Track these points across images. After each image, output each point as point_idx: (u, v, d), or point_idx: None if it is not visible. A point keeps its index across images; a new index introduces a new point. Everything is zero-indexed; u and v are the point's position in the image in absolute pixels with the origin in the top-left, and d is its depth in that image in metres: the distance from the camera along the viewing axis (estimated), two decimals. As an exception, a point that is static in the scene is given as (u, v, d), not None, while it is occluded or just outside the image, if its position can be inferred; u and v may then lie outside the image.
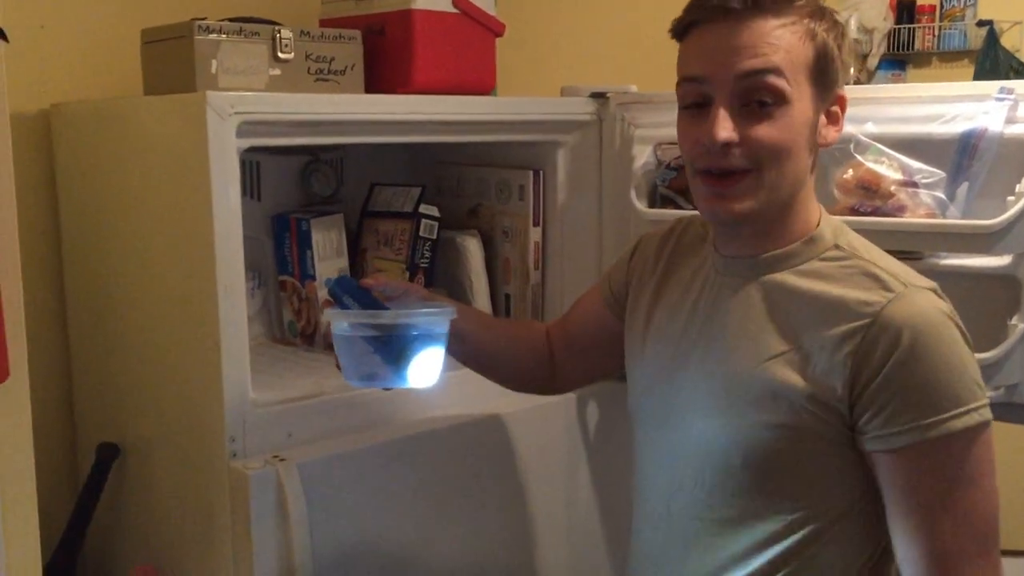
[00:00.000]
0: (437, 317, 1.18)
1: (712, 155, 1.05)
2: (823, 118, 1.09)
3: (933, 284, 1.07)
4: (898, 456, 1.02)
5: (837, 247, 1.09)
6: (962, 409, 1.00)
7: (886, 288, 1.03)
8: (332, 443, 1.38)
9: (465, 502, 1.51)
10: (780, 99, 1.04)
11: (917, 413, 1.00)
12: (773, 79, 1.03)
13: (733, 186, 1.06)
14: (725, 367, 1.10)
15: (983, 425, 1.02)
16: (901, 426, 1.01)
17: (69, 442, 1.65)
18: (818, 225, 1.11)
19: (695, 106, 1.08)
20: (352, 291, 1.20)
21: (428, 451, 1.46)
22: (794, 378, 1.05)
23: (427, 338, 1.16)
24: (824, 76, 1.07)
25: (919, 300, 1.03)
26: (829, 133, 1.10)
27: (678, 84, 1.10)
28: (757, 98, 1.04)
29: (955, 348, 1.02)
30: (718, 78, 1.04)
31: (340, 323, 1.16)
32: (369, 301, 1.20)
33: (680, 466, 1.15)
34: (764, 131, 1.04)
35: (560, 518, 1.63)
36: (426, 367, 1.18)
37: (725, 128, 1.03)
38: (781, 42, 1.04)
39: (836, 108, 1.10)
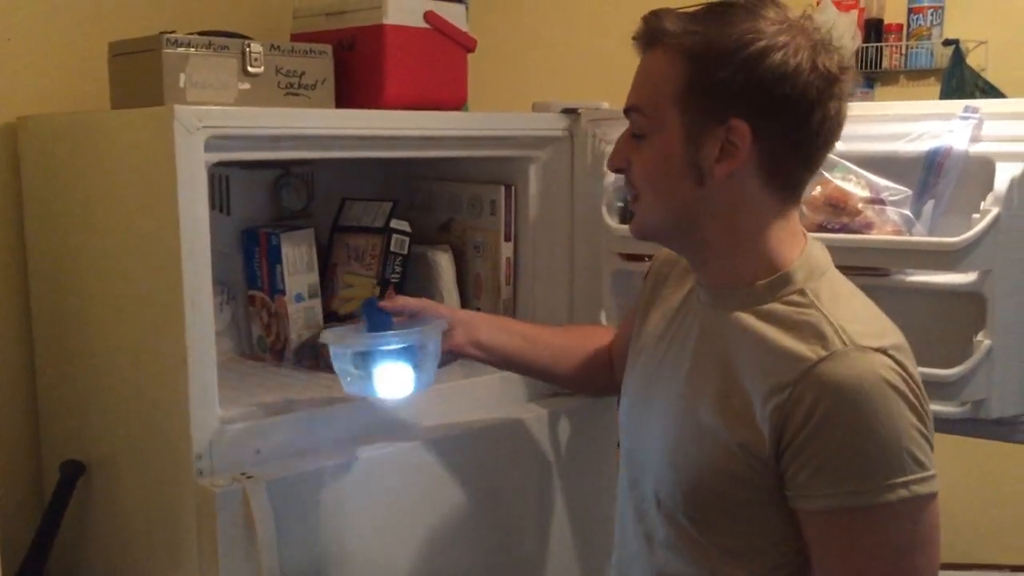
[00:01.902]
0: (396, 338, 1.33)
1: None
2: (714, 150, 1.01)
3: (889, 343, 0.99)
4: (815, 518, 0.99)
5: (802, 292, 1.03)
6: (886, 483, 0.94)
7: (824, 346, 0.97)
8: (301, 460, 1.37)
9: (437, 519, 1.50)
10: (645, 131, 1.06)
11: (833, 480, 0.96)
12: (635, 115, 1.07)
13: (631, 208, 1.12)
14: (678, 399, 1.10)
15: (911, 501, 0.95)
16: (819, 490, 0.97)
17: (33, 459, 1.63)
18: (792, 264, 1.05)
19: None
20: (369, 311, 1.38)
21: (399, 468, 1.45)
22: (730, 424, 1.02)
23: (393, 354, 1.32)
24: (698, 104, 1.01)
25: (855, 362, 0.96)
26: (717, 168, 1.02)
27: None
28: (633, 130, 1.08)
29: (886, 417, 0.94)
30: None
31: (327, 342, 1.36)
32: (382, 320, 1.37)
33: (645, 490, 1.15)
34: (636, 159, 1.07)
35: (534, 534, 1.62)
36: (392, 381, 1.33)
37: (613, 156, 1.10)
38: (653, 74, 1.05)
39: (733, 138, 1.01)
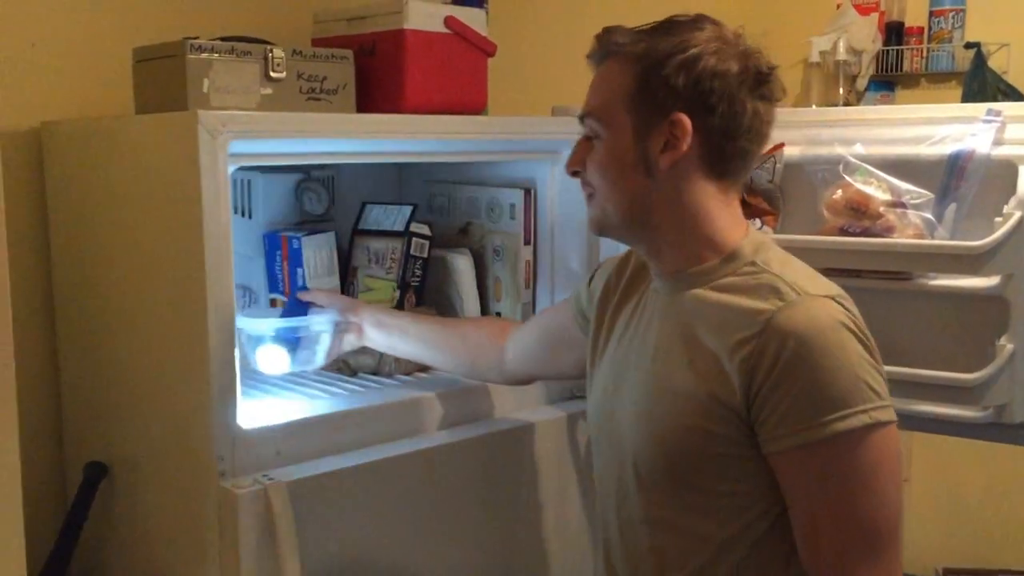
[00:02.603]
0: (266, 321, 1.52)
1: None
2: (659, 143, 1.13)
3: (836, 292, 1.11)
4: (787, 458, 1.07)
5: (753, 263, 1.14)
6: (847, 411, 1.04)
7: (780, 297, 1.08)
8: (322, 462, 1.38)
9: (456, 521, 1.50)
10: (596, 134, 1.18)
11: (802, 416, 1.05)
12: (589, 120, 1.18)
13: (587, 205, 1.22)
14: (647, 375, 1.18)
15: (873, 427, 1.04)
16: (788, 429, 1.06)
17: (57, 461, 1.64)
18: (740, 243, 1.17)
19: None
20: (289, 301, 1.61)
21: (419, 470, 1.45)
22: (702, 383, 1.11)
23: (272, 338, 1.49)
24: (646, 103, 1.13)
25: (809, 307, 1.07)
26: (663, 158, 1.14)
27: None
28: (586, 134, 1.20)
29: (841, 352, 1.05)
30: None
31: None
32: (297, 309, 1.56)
33: (623, 475, 1.21)
34: (590, 162, 1.19)
35: (551, 536, 1.63)
36: (269, 360, 1.51)
37: (571, 159, 1.21)
38: (606, 81, 1.17)
39: (675, 132, 1.13)
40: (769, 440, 1.08)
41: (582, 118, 1.19)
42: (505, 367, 1.50)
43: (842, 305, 1.09)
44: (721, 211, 1.17)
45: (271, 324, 1.49)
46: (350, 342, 1.57)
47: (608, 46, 1.17)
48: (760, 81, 1.14)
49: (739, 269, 1.15)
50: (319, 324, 1.52)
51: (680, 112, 1.12)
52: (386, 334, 1.55)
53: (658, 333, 1.19)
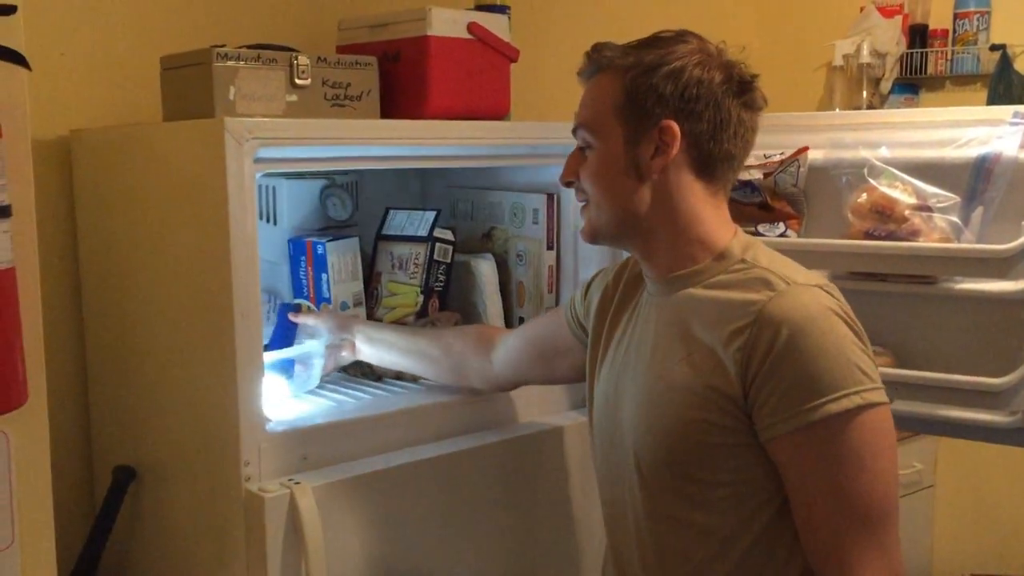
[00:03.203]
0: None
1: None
2: (650, 149, 1.17)
3: (822, 282, 1.15)
4: (784, 442, 1.10)
5: (743, 261, 1.18)
6: (840, 393, 1.07)
7: (770, 288, 1.12)
8: (347, 466, 1.39)
9: (481, 525, 1.51)
10: (588, 144, 1.21)
11: (797, 400, 1.08)
12: (582, 131, 1.22)
13: (582, 214, 1.26)
14: (646, 374, 1.21)
15: (865, 407, 1.07)
16: (784, 413, 1.08)
17: (86, 465, 1.66)
18: (729, 243, 1.20)
19: None
20: (280, 320, 1.64)
21: (444, 475, 1.46)
22: (699, 375, 1.14)
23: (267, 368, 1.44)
24: (635, 110, 1.17)
25: (799, 295, 1.11)
26: (654, 164, 1.18)
27: None
28: (580, 145, 1.23)
29: (832, 337, 1.09)
30: None
31: None
32: (286, 331, 1.63)
33: (625, 474, 1.23)
34: (583, 171, 1.23)
35: (575, 541, 1.63)
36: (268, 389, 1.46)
37: (564, 170, 1.25)
38: (595, 92, 1.21)
39: (665, 138, 1.17)
40: (766, 427, 1.10)
41: (575, 130, 1.24)
42: (491, 374, 1.53)
43: (830, 293, 1.13)
44: (710, 213, 1.21)
45: (267, 358, 1.48)
46: (345, 359, 1.63)
47: (598, 61, 1.22)
48: (743, 89, 1.19)
49: (730, 267, 1.18)
50: (311, 348, 1.57)
51: (669, 119, 1.16)
52: (376, 348, 1.61)
53: (654, 334, 1.22)
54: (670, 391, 1.17)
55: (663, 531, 1.20)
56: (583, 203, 1.25)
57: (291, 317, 1.63)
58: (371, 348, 1.61)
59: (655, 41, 1.21)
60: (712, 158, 1.19)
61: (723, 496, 1.15)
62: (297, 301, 1.77)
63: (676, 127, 1.16)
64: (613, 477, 1.28)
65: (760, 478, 1.14)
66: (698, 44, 1.20)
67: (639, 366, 1.23)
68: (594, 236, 1.25)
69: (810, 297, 1.11)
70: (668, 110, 1.17)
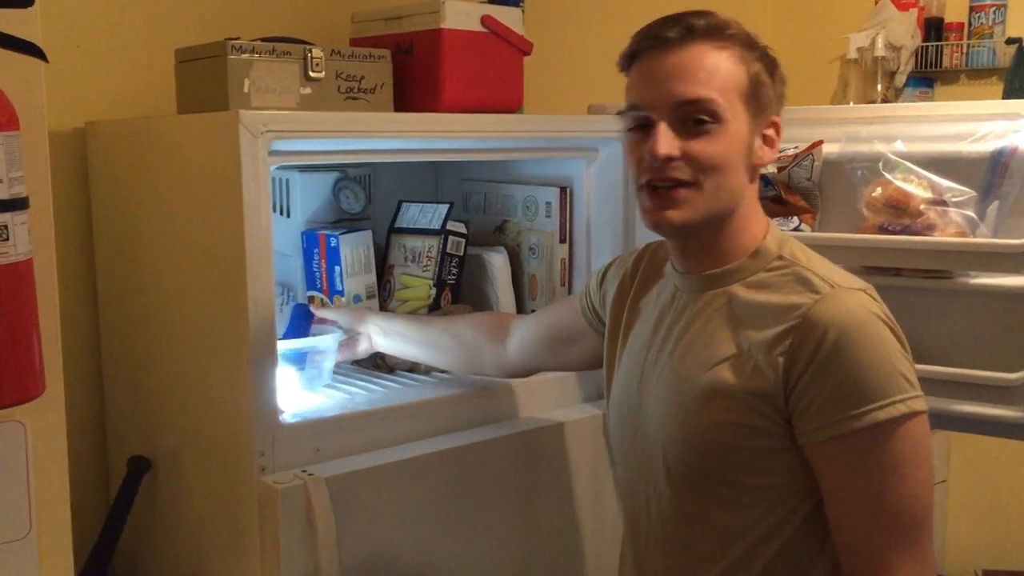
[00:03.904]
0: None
1: (655, 169, 1.13)
2: (758, 140, 1.16)
3: (864, 285, 1.13)
4: (826, 448, 1.08)
5: (780, 258, 1.16)
6: (886, 401, 1.05)
7: (813, 291, 1.10)
8: (360, 458, 1.39)
9: (493, 518, 1.51)
10: (716, 118, 1.12)
11: (842, 406, 1.06)
12: (709, 103, 1.12)
13: (674, 199, 1.13)
14: (679, 374, 1.17)
15: (909, 416, 1.06)
16: (828, 419, 1.07)
17: (101, 455, 1.67)
18: (764, 239, 1.18)
19: (640, 127, 1.16)
20: (295, 316, 1.62)
21: (456, 467, 1.46)
22: (737, 378, 1.12)
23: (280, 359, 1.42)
24: (757, 100, 1.14)
25: (844, 300, 1.09)
26: (765, 153, 1.17)
27: (624, 111, 1.18)
28: (695, 117, 1.12)
29: (879, 344, 1.07)
30: (658, 103, 1.13)
31: None
32: (300, 326, 1.60)
33: (650, 470, 1.21)
34: (702, 146, 1.12)
35: (586, 532, 1.63)
36: (288, 380, 1.51)
37: (665, 144, 1.11)
38: (716, 69, 1.12)
39: (771, 132, 1.17)
40: (807, 431, 1.08)
41: (692, 101, 1.11)
42: (505, 362, 1.52)
43: (873, 297, 1.12)
44: (755, 208, 1.20)
45: (281, 346, 1.48)
46: (361, 352, 1.62)
47: (719, 28, 1.14)
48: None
49: (768, 264, 1.16)
50: (323, 342, 1.57)
51: (775, 117, 1.17)
52: (390, 340, 1.60)
53: (687, 332, 1.18)
54: (705, 394, 1.14)
55: (690, 532, 1.18)
56: (686, 183, 1.12)
57: (313, 310, 1.63)
58: (386, 340, 1.60)
59: (740, 26, 1.17)
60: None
61: (756, 499, 1.13)
62: (310, 294, 1.78)
63: (780, 124, 1.18)
64: (635, 474, 1.25)
65: (793, 482, 1.12)
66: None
67: (669, 363, 1.19)
68: (688, 224, 1.14)
69: (855, 301, 1.09)
70: (775, 106, 1.18)
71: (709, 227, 1.16)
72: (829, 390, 1.06)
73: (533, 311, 1.81)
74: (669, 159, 1.11)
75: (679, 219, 1.14)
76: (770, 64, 1.16)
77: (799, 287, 1.11)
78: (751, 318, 1.13)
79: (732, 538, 1.14)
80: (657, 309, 1.25)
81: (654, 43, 1.14)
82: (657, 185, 1.13)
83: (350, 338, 1.61)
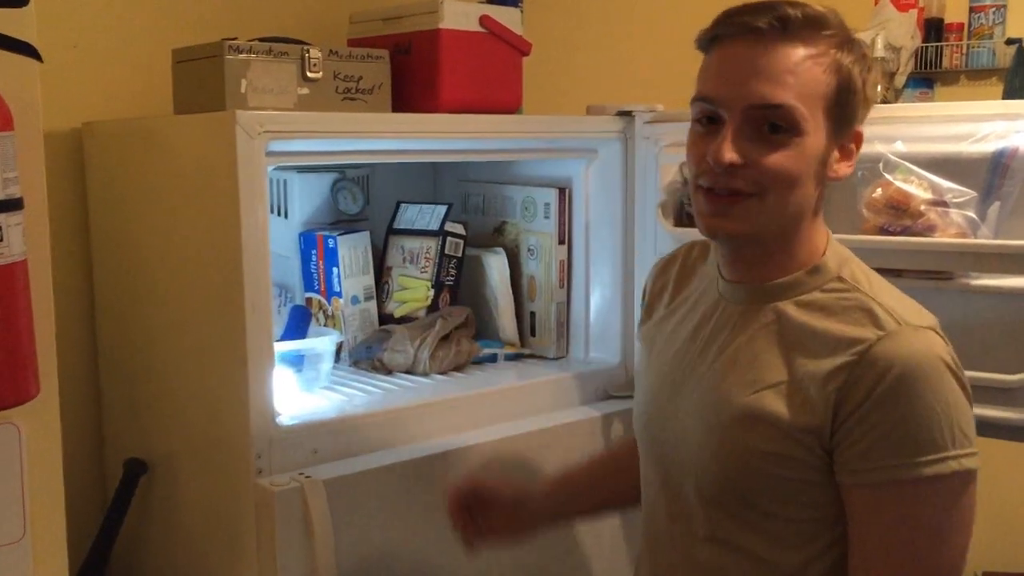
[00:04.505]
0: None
1: (716, 175, 1.03)
2: (836, 153, 1.06)
3: (933, 322, 1.03)
4: (863, 493, 1.00)
5: (840, 279, 1.07)
6: (938, 456, 0.97)
7: (879, 325, 1.01)
8: (357, 461, 1.39)
9: (490, 521, 1.50)
10: (794, 129, 1.02)
11: (890, 452, 0.98)
12: (788, 112, 1.01)
13: (733, 206, 1.04)
14: (718, 392, 1.09)
15: (959, 475, 0.98)
16: (873, 463, 0.99)
17: (97, 457, 1.66)
18: (824, 254, 1.08)
19: (707, 120, 1.06)
20: (293, 316, 1.65)
21: (454, 469, 1.45)
22: (783, 408, 1.03)
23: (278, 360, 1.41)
24: (843, 111, 1.04)
25: (911, 339, 1.00)
26: (841, 168, 1.07)
27: (693, 98, 1.07)
28: (771, 122, 1.02)
29: (940, 392, 0.98)
30: (733, 102, 1.02)
31: None
32: (297, 328, 1.63)
33: (680, 485, 1.13)
34: (773, 158, 1.02)
35: (584, 537, 1.62)
36: (284, 381, 1.51)
37: (731, 151, 1.01)
38: (802, 74, 1.01)
39: (852, 144, 1.07)
40: (847, 471, 1.01)
41: (770, 107, 1.01)
42: None
43: (942, 338, 1.02)
44: (818, 221, 1.10)
45: (278, 348, 1.46)
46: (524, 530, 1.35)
47: (815, 22, 1.02)
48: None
49: (825, 284, 1.06)
50: (321, 344, 1.56)
51: (859, 127, 1.07)
52: (563, 500, 1.37)
53: (730, 345, 1.10)
54: (746, 418, 1.05)
55: (721, 554, 1.10)
56: (748, 193, 1.03)
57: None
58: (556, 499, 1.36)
59: (844, 24, 1.05)
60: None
61: (790, 531, 1.06)
62: (308, 295, 1.77)
63: (862, 136, 1.07)
64: (661, 484, 1.17)
65: (830, 518, 1.04)
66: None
67: (708, 377, 1.10)
68: (750, 232, 1.06)
69: (923, 343, 1.00)
70: (861, 115, 1.06)
71: (765, 239, 1.07)
72: (878, 433, 0.98)
73: (532, 313, 1.80)
74: (733, 166, 1.02)
75: (736, 230, 1.06)
76: (864, 69, 1.05)
77: (862, 318, 1.02)
78: (805, 343, 1.04)
79: (764, 568, 1.07)
80: (697, 314, 1.16)
81: (740, 31, 1.02)
82: (717, 190, 1.04)
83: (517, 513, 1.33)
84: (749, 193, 1.03)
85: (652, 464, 1.19)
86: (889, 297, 1.05)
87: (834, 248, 1.10)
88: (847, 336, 1.01)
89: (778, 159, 1.02)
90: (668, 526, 1.16)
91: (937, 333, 1.02)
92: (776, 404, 1.03)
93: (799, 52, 1.01)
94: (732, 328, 1.10)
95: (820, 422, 1.01)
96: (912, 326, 1.01)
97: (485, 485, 1.31)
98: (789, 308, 1.07)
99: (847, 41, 1.04)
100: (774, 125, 1.01)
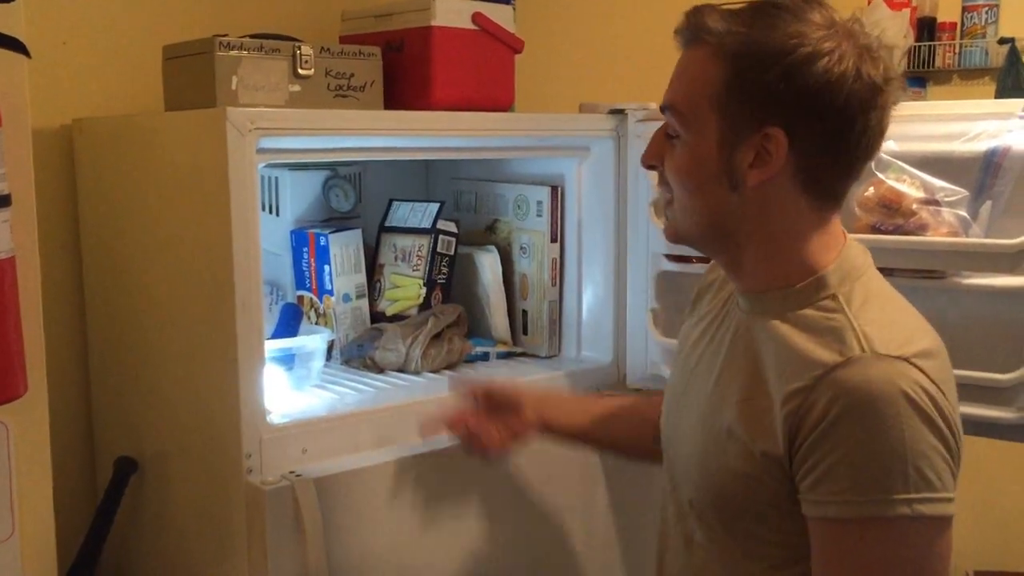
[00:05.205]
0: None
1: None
2: (748, 156, 0.98)
3: (916, 351, 0.95)
4: (816, 525, 0.96)
5: (834, 297, 1.01)
6: (883, 496, 0.91)
7: (842, 351, 0.95)
8: (348, 459, 1.38)
9: (482, 519, 1.50)
10: (680, 130, 1.02)
11: (835, 488, 0.93)
12: (670, 113, 1.02)
13: (667, 210, 1.08)
14: (708, 402, 1.08)
15: (913, 521, 0.91)
16: (820, 496, 0.95)
17: (87, 456, 1.66)
18: (829, 267, 1.02)
19: None
20: (284, 313, 1.64)
21: (444, 468, 1.45)
22: (749, 427, 1.01)
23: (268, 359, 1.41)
24: (738, 110, 0.98)
25: (868, 368, 0.93)
26: (750, 175, 0.99)
27: None
28: (668, 130, 1.04)
29: (895, 429, 0.91)
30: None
31: None
32: (288, 326, 1.61)
33: (681, 492, 1.14)
34: (668, 162, 1.04)
35: (577, 537, 1.62)
36: (276, 379, 1.50)
37: (646, 153, 1.06)
38: (690, 72, 1.01)
39: (770, 148, 0.97)
40: (804, 502, 0.97)
41: (663, 109, 1.03)
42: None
43: (918, 368, 0.94)
44: (813, 232, 1.02)
45: (269, 346, 1.45)
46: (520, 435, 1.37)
47: (697, 30, 1.00)
48: (877, 91, 0.97)
49: (818, 300, 1.01)
50: (311, 343, 1.55)
51: (776, 125, 0.96)
52: (554, 437, 1.40)
53: (726, 355, 1.08)
54: (723, 436, 1.03)
55: (711, 560, 1.09)
56: (667, 199, 1.06)
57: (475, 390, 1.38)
58: (550, 435, 1.39)
59: (772, 14, 0.97)
60: (826, 174, 1.00)
61: (772, 552, 1.03)
62: (299, 293, 1.77)
63: (784, 137, 0.96)
64: (673, 481, 1.16)
65: (807, 542, 0.99)
66: (825, 21, 0.96)
67: (703, 386, 1.10)
68: (676, 238, 1.08)
69: (882, 374, 0.92)
70: (778, 114, 0.96)
71: (715, 245, 1.07)
72: (825, 466, 0.93)
73: (524, 312, 1.80)
74: (651, 168, 1.07)
75: (667, 232, 1.10)
76: (760, 57, 0.95)
77: (832, 342, 0.96)
78: (779, 361, 1.00)
79: None
80: (714, 322, 1.14)
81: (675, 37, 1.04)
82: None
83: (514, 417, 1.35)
84: (670, 199, 1.06)
85: (665, 463, 1.20)
86: (873, 321, 0.98)
87: (844, 262, 1.03)
88: (811, 357, 0.96)
89: (671, 162, 1.03)
90: (674, 526, 1.16)
91: (911, 363, 0.94)
92: (743, 421, 1.01)
93: (697, 53, 1.01)
94: (731, 336, 1.09)
95: (777, 446, 0.98)
96: (878, 354, 0.94)
97: (499, 386, 1.35)
98: (778, 323, 1.02)
99: (750, 41, 0.97)
100: (670, 133, 1.03)
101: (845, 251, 1.05)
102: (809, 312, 1.01)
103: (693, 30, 1.01)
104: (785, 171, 0.98)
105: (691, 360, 1.16)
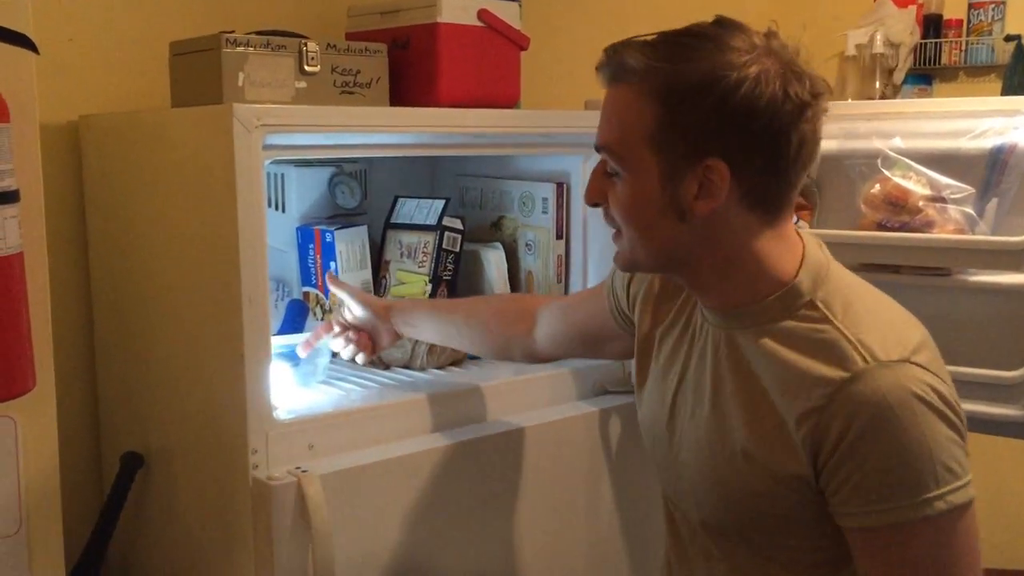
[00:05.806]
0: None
1: None
2: (692, 188, 0.99)
3: (911, 348, 0.98)
4: (858, 535, 0.99)
5: (812, 306, 1.02)
6: (919, 497, 0.94)
7: (845, 365, 0.96)
8: (355, 455, 1.38)
9: (488, 515, 1.50)
10: (618, 169, 1.02)
11: (869, 499, 0.96)
12: (607, 154, 1.03)
13: (616, 241, 1.09)
14: (707, 426, 1.08)
15: (949, 513, 0.95)
16: (855, 508, 0.97)
17: (94, 451, 1.66)
18: (796, 275, 1.03)
19: None
20: (289, 310, 1.66)
21: (450, 464, 1.45)
22: (766, 447, 1.02)
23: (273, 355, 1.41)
24: (674, 147, 0.98)
25: (878, 380, 0.95)
26: (697, 206, 0.99)
27: None
28: (607, 169, 1.04)
29: (915, 432, 0.94)
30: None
31: None
32: (294, 321, 1.64)
33: (688, 511, 1.15)
34: (611, 199, 1.05)
35: (582, 533, 1.62)
36: (281, 375, 1.50)
37: (589, 192, 1.07)
38: (619, 114, 1.01)
39: (713, 178, 0.98)
40: (838, 514, 0.99)
41: (598, 148, 1.05)
42: (534, 351, 1.45)
43: (920, 366, 0.97)
44: (770, 244, 1.03)
45: (275, 342, 1.47)
46: (385, 345, 1.55)
47: (619, 70, 1.01)
48: (805, 107, 0.98)
49: (798, 311, 1.02)
50: (321, 340, 1.55)
51: (716, 157, 0.97)
52: (416, 331, 1.54)
53: (713, 375, 1.08)
54: (737, 457, 1.04)
55: (732, 571, 1.11)
56: (615, 231, 1.08)
57: (328, 279, 1.58)
58: (412, 332, 1.53)
59: (691, 45, 0.98)
60: (768, 189, 1.01)
61: (797, 559, 1.06)
62: (305, 289, 1.77)
63: (726, 168, 0.97)
64: (673, 498, 1.18)
65: (837, 550, 1.02)
66: (746, 46, 0.97)
67: (699, 409, 1.10)
68: (629, 269, 1.12)
69: (892, 382, 0.94)
70: (715, 145, 0.97)
71: (672, 270, 1.09)
72: (855, 480, 0.96)
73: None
74: (595, 205, 1.07)
75: (619, 262, 1.10)
76: (687, 91, 0.96)
77: (830, 356, 0.97)
78: (780, 381, 1.01)
79: None
80: (688, 333, 1.14)
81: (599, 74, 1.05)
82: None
83: (373, 334, 1.53)
84: (617, 231, 1.07)
85: (660, 481, 1.21)
86: (862, 326, 0.99)
87: (810, 263, 1.04)
88: (813, 374, 0.98)
89: (615, 199, 1.04)
90: (689, 541, 1.17)
91: (914, 363, 0.96)
92: (758, 441, 1.02)
93: (623, 92, 1.01)
94: (713, 354, 1.09)
95: (801, 464, 0.99)
96: (882, 362, 0.96)
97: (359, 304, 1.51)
98: (766, 341, 1.03)
99: (675, 76, 0.97)
100: (608, 170, 1.04)
101: (806, 252, 1.06)
102: (792, 324, 1.02)
103: (615, 68, 1.02)
104: (731, 196, 0.99)
105: (670, 375, 1.16)
